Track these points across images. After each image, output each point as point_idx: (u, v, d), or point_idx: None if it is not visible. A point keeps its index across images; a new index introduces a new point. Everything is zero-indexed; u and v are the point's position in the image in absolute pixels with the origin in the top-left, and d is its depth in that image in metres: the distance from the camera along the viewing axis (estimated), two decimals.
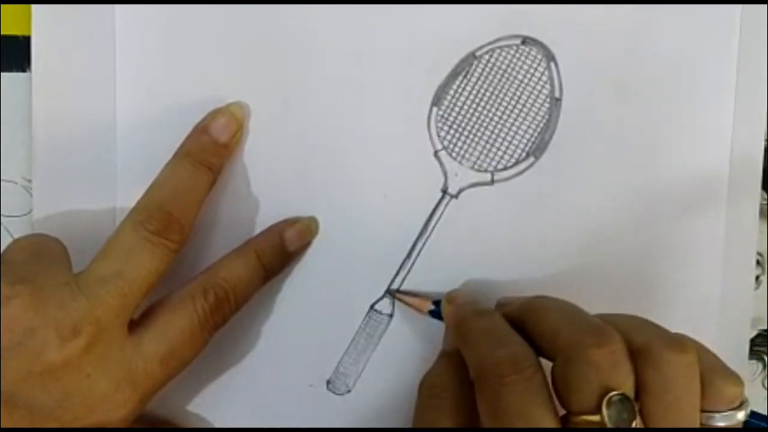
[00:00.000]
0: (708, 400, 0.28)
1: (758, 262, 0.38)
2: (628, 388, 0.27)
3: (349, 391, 0.37)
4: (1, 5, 0.36)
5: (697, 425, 0.28)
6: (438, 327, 0.37)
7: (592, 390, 0.27)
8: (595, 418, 0.27)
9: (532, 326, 0.30)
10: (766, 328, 0.39)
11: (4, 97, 0.37)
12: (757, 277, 0.38)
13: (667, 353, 0.28)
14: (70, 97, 0.36)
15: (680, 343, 0.28)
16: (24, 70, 0.36)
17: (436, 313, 0.36)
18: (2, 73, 0.36)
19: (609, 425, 0.26)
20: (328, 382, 0.37)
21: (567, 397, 0.28)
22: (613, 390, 0.27)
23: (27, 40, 0.36)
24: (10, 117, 0.37)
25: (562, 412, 0.28)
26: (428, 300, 0.36)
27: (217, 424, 0.37)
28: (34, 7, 0.35)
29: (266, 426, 0.37)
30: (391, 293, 0.37)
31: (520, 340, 0.29)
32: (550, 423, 0.27)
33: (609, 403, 0.27)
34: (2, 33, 0.36)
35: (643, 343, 0.28)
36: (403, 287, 0.37)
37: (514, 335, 0.30)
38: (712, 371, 0.29)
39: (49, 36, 0.35)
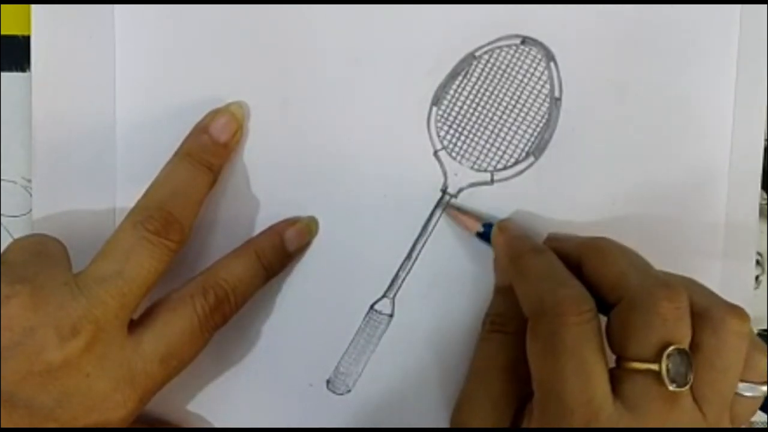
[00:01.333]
0: (744, 370, 0.29)
1: (758, 262, 0.38)
2: (687, 345, 0.28)
3: (349, 391, 0.37)
4: (1, 5, 0.36)
5: (733, 393, 0.29)
6: (438, 327, 0.37)
7: (655, 340, 0.28)
8: (653, 366, 0.28)
9: (595, 267, 0.31)
10: (766, 328, 0.39)
11: (4, 97, 0.37)
12: (757, 277, 0.38)
13: (728, 319, 0.29)
14: (69, 97, 0.36)
15: (740, 312, 0.29)
16: (24, 70, 0.36)
17: (485, 236, 0.35)
18: (2, 73, 0.36)
19: (667, 376, 0.27)
20: (328, 382, 0.37)
21: (625, 342, 0.28)
22: (674, 344, 0.28)
23: (27, 40, 0.36)
24: (10, 117, 0.37)
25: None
26: (479, 221, 0.36)
27: (217, 424, 0.37)
28: (33, 7, 0.35)
29: (266, 426, 0.37)
30: (444, 206, 0.36)
31: (579, 283, 0.30)
32: (602, 367, 0.28)
33: (668, 355, 0.27)
34: (2, 33, 0.36)
35: (705, 306, 0.29)
36: (403, 287, 0.37)
37: (572, 277, 0.30)
38: (752, 344, 0.30)
39: (48, 36, 0.36)
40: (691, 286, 0.30)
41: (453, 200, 0.36)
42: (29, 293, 0.29)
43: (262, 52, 0.36)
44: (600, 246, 0.32)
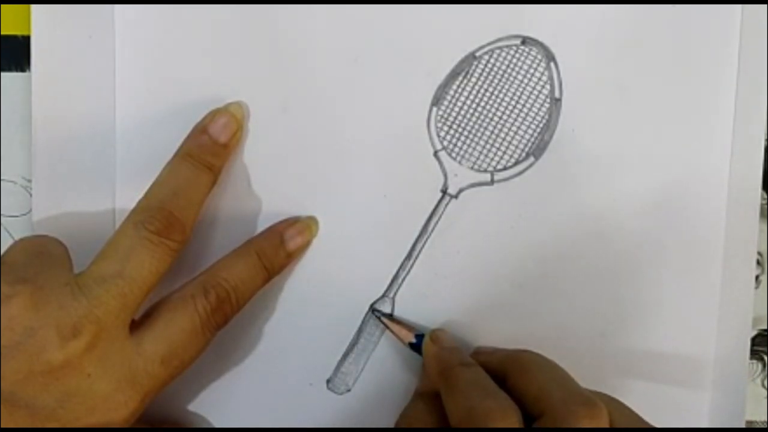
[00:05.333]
0: None
1: (758, 262, 0.38)
2: None
3: (349, 390, 0.37)
4: (1, 5, 0.36)
5: None
6: (438, 326, 0.37)
7: None
8: None
9: (517, 381, 0.31)
10: (766, 328, 0.39)
11: (4, 97, 0.37)
12: (757, 277, 0.38)
13: None
14: (69, 97, 0.36)
15: None
16: (24, 70, 0.36)
17: (415, 347, 0.36)
18: (2, 73, 0.36)
19: None
20: (328, 382, 0.37)
21: None
22: None
23: (27, 40, 0.36)
24: (10, 117, 0.37)
25: None
26: (411, 331, 0.36)
27: (217, 424, 0.37)
28: (33, 7, 0.35)
29: (266, 426, 0.37)
30: (375, 313, 0.37)
31: (506, 395, 0.30)
32: None
33: None
34: (2, 33, 0.36)
35: (626, 426, 0.30)
36: (403, 287, 0.37)
37: (499, 390, 0.31)
38: None
39: (48, 36, 0.35)
40: (611, 404, 0.30)
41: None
42: (30, 293, 0.29)
43: (262, 52, 0.36)
44: (522, 360, 0.32)
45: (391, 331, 0.36)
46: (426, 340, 0.35)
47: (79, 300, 0.29)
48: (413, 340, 0.36)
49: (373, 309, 0.37)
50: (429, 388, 0.35)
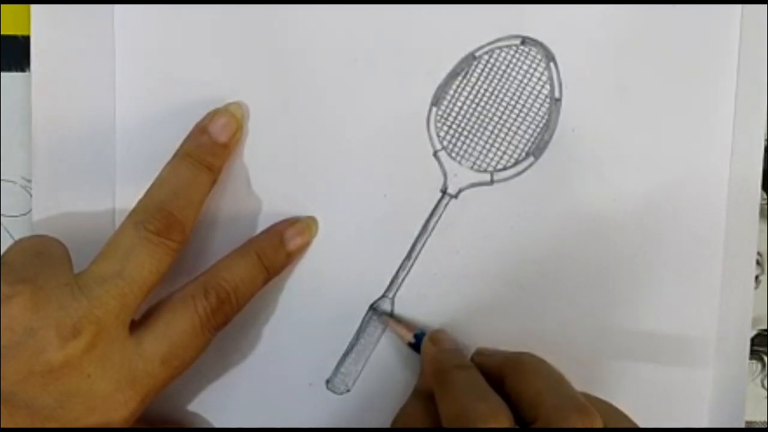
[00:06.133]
0: None
1: (758, 262, 0.38)
2: None
3: (349, 390, 0.37)
4: (1, 5, 0.36)
5: None
6: (438, 327, 0.37)
7: None
8: None
9: (514, 384, 0.31)
10: (766, 328, 0.39)
11: (4, 97, 0.37)
12: (757, 277, 0.38)
13: None
14: (69, 97, 0.36)
15: None
16: (23, 70, 0.36)
17: (415, 347, 0.36)
18: (2, 73, 0.36)
19: None
20: (327, 382, 0.37)
21: None
22: None
23: (27, 40, 0.36)
24: (10, 117, 0.37)
25: None
26: (411, 331, 0.36)
27: (217, 424, 0.37)
28: (33, 7, 0.35)
29: (266, 426, 0.37)
30: (378, 312, 0.37)
31: (499, 399, 0.30)
32: None
33: None
34: (2, 33, 0.36)
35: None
36: (403, 287, 0.37)
37: (493, 393, 0.31)
38: None
39: (48, 36, 0.35)
40: (606, 409, 0.31)
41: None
42: (30, 293, 0.29)
43: (262, 52, 0.36)
44: (519, 363, 0.32)
45: (392, 331, 0.36)
46: (425, 340, 0.35)
47: (79, 300, 0.29)
48: (412, 340, 0.36)
49: (373, 308, 0.37)
50: (427, 387, 0.35)
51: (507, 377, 0.32)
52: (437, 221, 0.37)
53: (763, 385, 0.40)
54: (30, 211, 0.37)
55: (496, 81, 0.37)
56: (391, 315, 0.37)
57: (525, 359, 0.33)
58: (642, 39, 0.36)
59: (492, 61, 0.36)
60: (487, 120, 0.37)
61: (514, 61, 0.36)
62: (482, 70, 0.36)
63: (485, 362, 0.34)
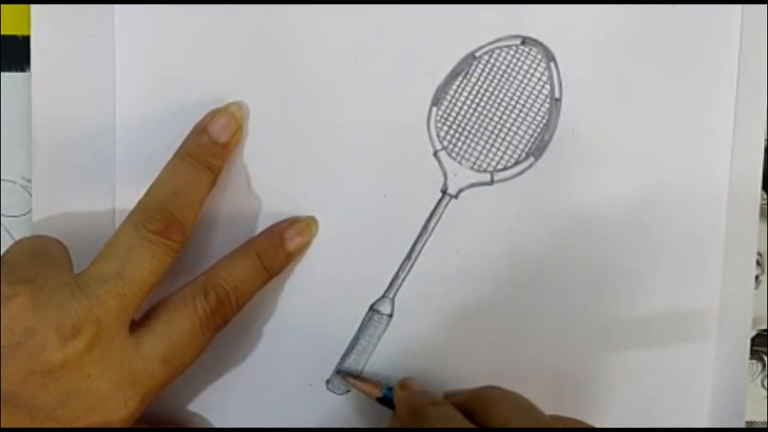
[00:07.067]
0: None
1: (758, 262, 0.38)
2: None
3: (349, 390, 0.37)
4: (1, 5, 0.36)
5: None
6: (438, 327, 0.37)
7: None
8: None
9: (483, 415, 0.32)
10: (766, 328, 0.39)
11: (4, 97, 0.37)
12: (757, 277, 0.38)
13: None
14: (69, 97, 0.36)
15: None
16: (23, 70, 0.36)
17: (386, 401, 0.36)
18: (2, 73, 0.36)
19: None
20: (327, 382, 0.37)
21: None
22: None
23: (27, 40, 0.36)
24: (10, 117, 0.37)
25: None
26: (379, 386, 0.36)
27: (217, 424, 0.37)
28: (33, 7, 0.35)
29: (266, 426, 0.37)
30: (341, 373, 0.37)
31: (475, 427, 0.31)
32: None
33: None
34: (2, 33, 0.36)
35: None
36: (403, 287, 0.37)
37: (468, 422, 0.31)
38: None
39: (48, 36, 0.35)
40: (577, 428, 0.31)
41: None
42: (30, 294, 0.29)
43: (262, 52, 0.36)
44: (486, 395, 0.33)
45: (358, 390, 0.37)
46: (396, 388, 0.36)
47: (79, 300, 0.29)
48: (380, 394, 0.36)
49: (372, 309, 0.37)
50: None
51: (475, 410, 0.32)
52: (437, 221, 0.37)
53: (763, 385, 0.40)
54: (30, 211, 0.37)
55: (496, 81, 0.37)
56: (357, 376, 0.37)
57: (491, 391, 0.33)
58: (642, 39, 0.36)
59: (492, 61, 0.36)
60: (487, 120, 0.37)
61: (515, 61, 0.36)
62: (482, 70, 0.36)
63: (454, 401, 0.34)
